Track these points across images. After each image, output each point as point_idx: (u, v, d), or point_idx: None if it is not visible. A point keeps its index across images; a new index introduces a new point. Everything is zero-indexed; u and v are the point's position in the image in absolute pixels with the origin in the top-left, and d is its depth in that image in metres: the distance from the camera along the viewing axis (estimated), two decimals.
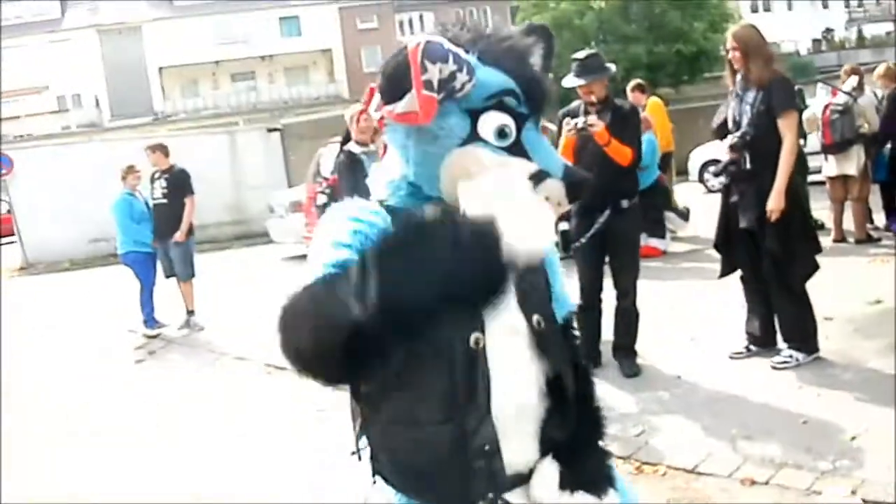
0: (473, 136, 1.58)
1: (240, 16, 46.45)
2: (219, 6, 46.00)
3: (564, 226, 8.67)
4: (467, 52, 1.57)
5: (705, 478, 4.03)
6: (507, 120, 1.58)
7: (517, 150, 1.59)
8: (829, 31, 52.49)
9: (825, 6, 52.92)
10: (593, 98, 5.60)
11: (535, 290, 1.78)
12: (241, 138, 21.32)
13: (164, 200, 9.15)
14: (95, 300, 12.03)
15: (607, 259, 5.79)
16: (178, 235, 9.07)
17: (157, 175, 9.30)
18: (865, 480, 3.72)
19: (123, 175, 9.13)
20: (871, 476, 3.74)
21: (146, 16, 45.95)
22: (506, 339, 1.67)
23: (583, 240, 5.62)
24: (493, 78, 1.58)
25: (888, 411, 4.39)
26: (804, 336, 5.36)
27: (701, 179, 17.26)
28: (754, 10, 49.67)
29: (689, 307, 7.19)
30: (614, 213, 5.56)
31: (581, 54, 5.80)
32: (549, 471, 1.74)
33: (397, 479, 1.72)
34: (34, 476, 4.99)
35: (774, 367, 5.32)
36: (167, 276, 9.32)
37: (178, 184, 9.20)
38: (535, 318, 1.72)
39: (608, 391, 5.38)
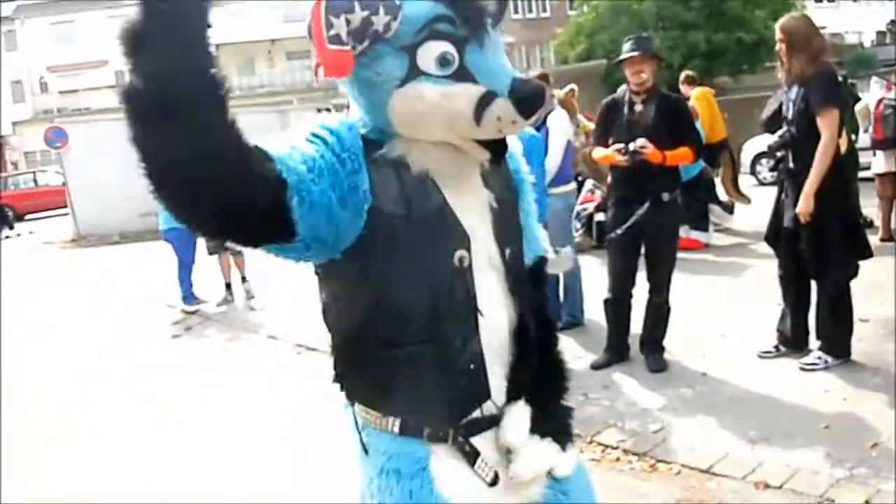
0: (415, 73, 1.56)
1: None
2: None
3: (601, 216, 8.62)
4: None
5: (719, 479, 3.96)
6: (445, 47, 1.56)
7: (463, 74, 1.56)
8: (893, 23, 51.13)
9: None
10: (643, 76, 5.42)
11: (509, 223, 1.80)
12: (292, 117, 21.45)
13: None
14: (141, 274, 12.20)
15: (643, 252, 5.70)
16: None
17: None
18: (881, 490, 3.62)
19: None
20: (887, 486, 3.65)
21: None
22: (486, 264, 1.71)
23: (618, 231, 5.52)
24: (419, 8, 1.55)
25: None
26: (836, 339, 5.23)
27: (753, 171, 16.98)
28: None
29: (723, 303, 7.07)
30: (653, 206, 5.43)
31: (633, 36, 5.75)
32: (522, 414, 1.78)
33: (376, 403, 1.74)
34: (36, 474, 4.99)
35: (803, 369, 5.20)
36: (212, 253, 9.42)
37: None
38: (508, 250, 1.76)
39: (632, 386, 5.34)
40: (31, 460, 5.25)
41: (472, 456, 1.73)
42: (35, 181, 29.70)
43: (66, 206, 20.02)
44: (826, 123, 4.98)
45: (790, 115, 5.19)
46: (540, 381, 1.83)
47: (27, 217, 27.81)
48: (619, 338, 5.81)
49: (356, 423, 1.80)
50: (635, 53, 5.45)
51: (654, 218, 5.43)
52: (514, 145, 1.87)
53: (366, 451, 1.77)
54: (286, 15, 46.49)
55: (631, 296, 5.76)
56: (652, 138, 5.34)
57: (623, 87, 5.69)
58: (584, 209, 6.51)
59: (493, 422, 1.77)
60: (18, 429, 5.75)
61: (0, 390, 6.50)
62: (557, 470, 1.85)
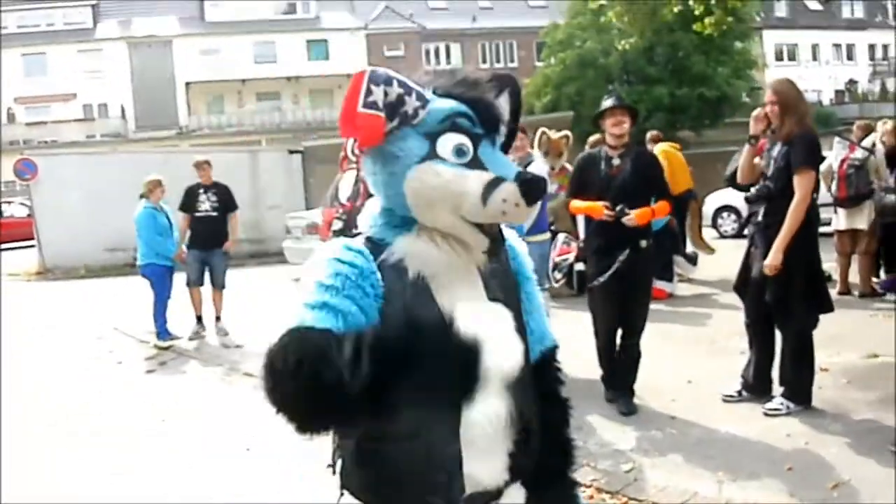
0: (433, 156, 1.74)
1: (270, 36, 47.05)
2: (249, 26, 46.58)
3: (580, 266, 8.87)
4: (423, 87, 1.77)
5: None
6: (463, 139, 1.75)
7: (475, 165, 1.75)
8: (852, 82, 52.66)
9: (850, 58, 53.12)
10: (625, 126, 5.70)
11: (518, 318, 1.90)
12: (263, 157, 21.64)
13: (214, 213, 9.69)
14: (110, 309, 12.21)
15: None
16: (229, 244, 9.77)
17: (203, 189, 9.71)
18: None
19: (151, 189, 9.41)
20: None
21: (177, 31, 46.59)
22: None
23: (602, 279, 5.72)
24: (445, 104, 1.77)
25: (872, 463, 4.52)
26: (798, 386, 5.48)
27: (714, 224, 17.41)
28: (779, 58, 49.94)
29: (688, 350, 7.32)
30: (632, 253, 5.67)
31: (612, 92, 6.06)
32: (516, 495, 1.89)
33: (365, 492, 1.85)
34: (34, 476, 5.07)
35: (766, 414, 5.44)
36: (193, 286, 9.66)
37: (226, 199, 9.81)
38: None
39: (604, 428, 5.52)
40: (32, 461, 5.26)
41: None
42: (0, 212, 29.44)
43: (31, 238, 19.91)
44: (802, 182, 5.28)
45: (770, 170, 5.47)
46: (546, 463, 1.94)
47: None
48: (616, 372, 6.04)
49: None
50: (617, 105, 5.77)
51: (633, 264, 5.66)
52: (518, 243, 2.03)
53: None
54: (257, 55, 46.85)
55: (616, 338, 5.99)
56: (629, 192, 5.63)
57: (593, 140, 5.97)
58: (565, 259, 6.75)
59: (496, 496, 1.86)
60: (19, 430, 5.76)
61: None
62: None
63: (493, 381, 1.70)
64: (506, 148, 1.89)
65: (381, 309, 1.74)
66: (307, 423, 1.66)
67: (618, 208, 5.59)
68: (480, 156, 1.76)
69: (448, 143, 1.74)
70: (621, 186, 5.66)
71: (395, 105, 1.70)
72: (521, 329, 1.91)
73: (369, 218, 1.87)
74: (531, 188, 1.72)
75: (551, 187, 9.35)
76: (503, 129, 1.84)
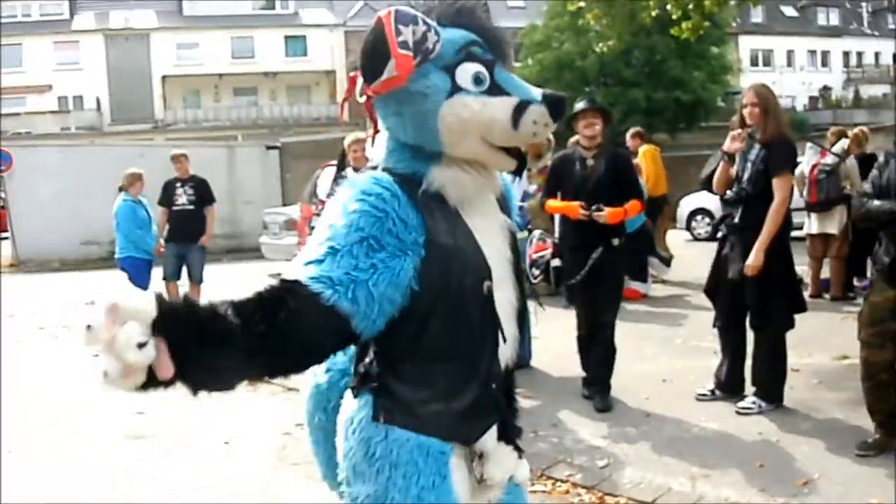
0: (455, 88, 1.81)
1: (247, 31, 46.86)
2: (227, 20, 46.37)
3: (556, 262, 8.97)
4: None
5: None
6: (479, 67, 1.83)
7: (495, 90, 1.83)
8: (826, 89, 53.21)
9: (824, 64, 53.67)
10: (597, 128, 5.85)
11: (514, 240, 2.05)
12: (240, 153, 21.61)
13: (192, 207, 9.74)
14: (84, 302, 12.10)
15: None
16: (205, 239, 9.78)
17: (180, 183, 9.75)
18: None
19: (130, 182, 9.39)
20: None
21: (154, 24, 46.30)
22: (503, 283, 1.95)
23: (579, 276, 5.88)
24: (456, 34, 1.84)
25: (841, 461, 4.63)
26: (771, 386, 5.59)
27: (688, 227, 17.58)
28: (754, 63, 50.41)
29: (664, 349, 7.42)
30: (606, 250, 5.83)
31: (585, 96, 6.20)
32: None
33: (412, 415, 1.89)
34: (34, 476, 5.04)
35: (739, 412, 5.54)
36: (170, 280, 9.70)
37: (203, 192, 9.85)
38: (521, 263, 2.04)
39: (579, 424, 5.60)
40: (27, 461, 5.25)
41: (473, 454, 1.97)
42: None
43: (5, 230, 19.75)
44: (781, 185, 5.40)
45: (747, 173, 5.55)
46: (512, 392, 2.10)
47: None
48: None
49: (373, 421, 1.91)
50: (589, 107, 5.92)
51: (606, 261, 5.82)
52: (506, 175, 2.12)
53: (373, 453, 1.90)
54: (235, 50, 46.64)
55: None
56: (604, 192, 5.78)
57: (571, 144, 6.10)
58: (542, 257, 6.84)
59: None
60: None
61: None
62: (518, 475, 2.10)
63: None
64: None
65: (426, 238, 1.80)
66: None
67: (593, 208, 5.74)
68: (498, 81, 1.83)
69: (467, 73, 1.81)
70: (596, 186, 5.82)
71: (420, 42, 1.75)
72: (517, 245, 2.06)
73: (388, 154, 1.92)
74: (558, 107, 1.83)
75: (530, 187, 9.46)
76: (511, 53, 1.92)
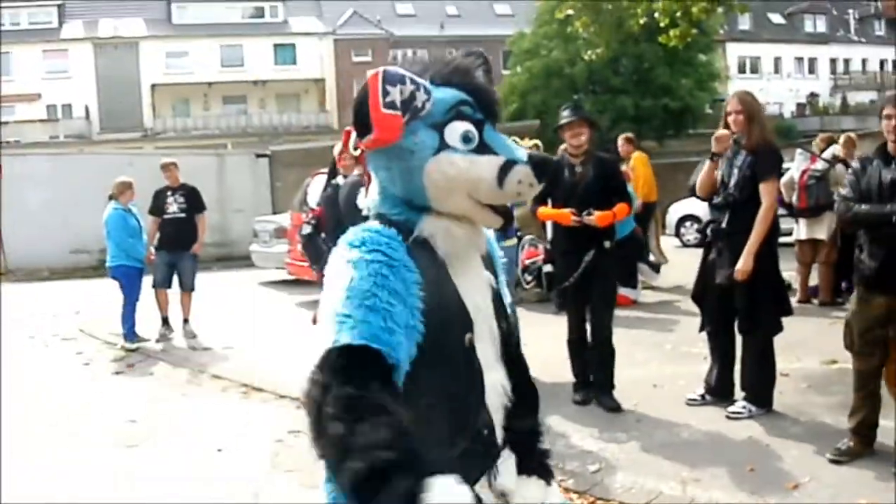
0: (443, 146, 1.83)
1: (236, 39, 46.80)
2: (216, 29, 46.31)
3: (548, 268, 9.02)
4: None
5: None
6: (468, 126, 1.84)
7: (483, 149, 1.85)
8: (813, 95, 53.46)
9: (811, 72, 53.94)
10: (582, 138, 5.99)
11: (500, 299, 2.06)
12: (230, 161, 21.60)
13: (183, 215, 9.72)
14: (75, 311, 12.14)
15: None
16: (197, 247, 9.77)
17: (171, 192, 9.74)
18: None
19: (120, 190, 9.37)
20: None
21: (143, 32, 46.21)
22: (486, 338, 1.95)
23: (573, 278, 5.98)
24: (447, 94, 1.86)
25: (830, 465, 4.67)
26: (760, 390, 5.63)
27: (677, 233, 17.65)
28: (742, 70, 50.62)
29: (654, 354, 7.46)
30: (598, 253, 5.95)
31: (570, 104, 6.32)
32: (510, 461, 2.02)
33: None
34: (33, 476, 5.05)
35: (729, 417, 5.58)
36: (160, 287, 9.70)
37: (194, 200, 9.85)
38: (504, 323, 2.03)
39: (571, 429, 5.62)
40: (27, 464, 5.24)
41: (477, 500, 1.96)
42: None
43: None
44: (768, 190, 5.47)
45: (734, 179, 5.59)
46: (528, 428, 2.09)
47: None
48: (583, 371, 6.28)
49: None
50: (574, 118, 6.01)
51: (598, 264, 5.95)
52: (489, 232, 2.12)
53: None
54: (224, 59, 46.61)
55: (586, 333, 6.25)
56: (593, 197, 5.92)
57: (560, 151, 6.18)
58: (534, 262, 6.88)
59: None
60: None
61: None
62: (549, 501, 2.09)
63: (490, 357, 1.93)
64: None
65: (420, 286, 1.79)
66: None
67: (584, 213, 5.86)
68: (486, 140, 1.85)
69: (455, 131, 1.83)
70: (585, 192, 5.95)
71: (408, 101, 1.77)
72: (503, 305, 2.06)
73: (384, 203, 1.93)
74: (543, 168, 1.84)
75: None
76: (500, 113, 1.94)
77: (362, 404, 1.59)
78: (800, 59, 53.44)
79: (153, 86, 45.99)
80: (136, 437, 6.00)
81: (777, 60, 52.67)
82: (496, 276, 2.11)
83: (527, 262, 5.93)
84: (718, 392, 5.90)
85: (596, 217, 5.86)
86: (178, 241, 9.61)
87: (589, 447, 5.26)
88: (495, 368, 1.98)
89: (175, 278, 9.71)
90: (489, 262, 2.08)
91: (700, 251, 6.09)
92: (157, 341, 9.47)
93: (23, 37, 44.10)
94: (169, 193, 9.72)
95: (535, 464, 2.08)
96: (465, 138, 1.84)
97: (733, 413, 5.60)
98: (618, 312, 9.05)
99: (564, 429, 5.65)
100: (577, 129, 6.00)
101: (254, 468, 5.26)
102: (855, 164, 4.97)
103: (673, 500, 4.39)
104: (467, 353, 1.90)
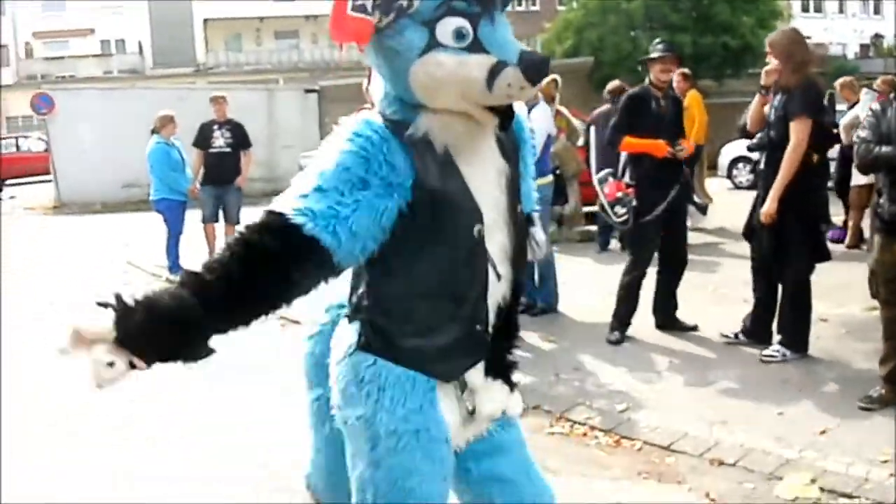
0: (434, 44, 1.78)
1: None
2: None
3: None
4: None
5: (678, 455, 4.26)
6: (461, 22, 1.78)
7: (476, 46, 1.79)
8: (878, 37, 51.73)
9: (877, 12, 52.16)
10: (672, 74, 6.36)
11: (516, 184, 2.05)
12: (280, 96, 21.65)
13: (228, 150, 9.78)
14: (123, 244, 12.36)
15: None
16: (241, 180, 9.84)
17: (217, 126, 9.79)
18: (826, 471, 3.93)
19: (162, 124, 9.45)
20: (832, 467, 3.96)
21: None
22: (497, 226, 1.96)
23: (657, 211, 6.06)
24: None
25: (860, 411, 4.60)
26: (795, 334, 5.54)
27: (729, 175, 17.33)
28: (805, 9, 49.09)
29: (694, 296, 7.34)
30: (681, 188, 6.22)
31: (662, 39, 6.77)
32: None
33: (394, 347, 1.94)
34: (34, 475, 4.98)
35: (763, 360, 5.52)
36: (208, 221, 9.83)
37: (240, 135, 9.88)
38: (518, 209, 2.03)
39: (601, 368, 5.61)
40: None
41: (462, 386, 2.01)
42: (17, 146, 29.59)
43: (47, 173, 20.04)
44: (797, 129, 5.30)
45: (770, 119, 5.52)
46: (505, 331, 2.11)
47: (8, 182, 27.73)
48: (632, 313, 6.26)
49: (361, 349, 1.97)
50: (667, 54, 6.18)
51: (680, 198, 6.23)
52: (520, 110, 2.09)
53: (362, 377, 1.95)
54: None
55: None
56: (674, 129, 6.18)
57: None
58: (625, 195, 6.61)
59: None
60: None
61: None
62: (509, 409, 2.14)
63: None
64: (506, 2, 1.92)
65: (413, 182, 1.82)
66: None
67: (676, 146, 6.06)
68: (481, 37, 1.79)
69: (447, 27, 1.77)
70: (670, 125, 6.16)
71: (386, 0, 1.73)
72: (519, 192, 2.07)
73: (384, 100, 1.93)
74: (534, 71, 1.78)
75: (552, 130, 9.28)
76: (500, 3, 1.86)
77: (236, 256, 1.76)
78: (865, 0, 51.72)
79: (206, 20, 46.03)
80: (138, 432, 5.83)
81: (841, 0, 51.02)
82: (519, 160, 2.11)
83: (619, 194, 5.87)
84: (753, 334, 5.83)
85: (686, 149, 6.13)
86: (222, 175, 9.68)
87: (619, 387, 5.24)
88: (505, 262, 1.99)
89: (220, 212, 9.82)
90: (511, 140, 2.05)
91: (751, 193, 6.01)
92: None
93: None
94: (216, 127, 9.76)
95: (502, 368, 2.11)
96: (459, 35, 1.78)
97: (767, 356, 5.53)
98: None
99: (595, 367, 5.63)
100: (669, 64, 6.19)
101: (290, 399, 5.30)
102: (875, 105, 4.82)
103: (697, 441, 4.36)
104: (475, 245, 1.91)
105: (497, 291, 1.99)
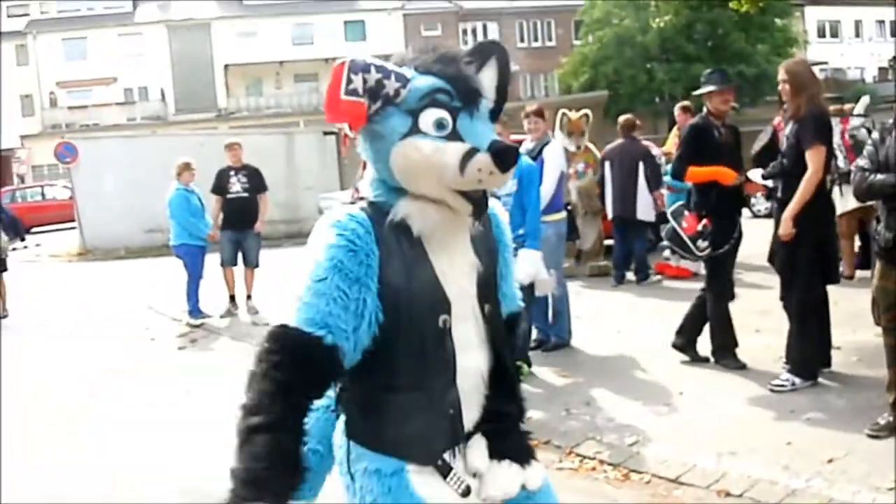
0: (415, 131, 1.91)
1: (307, 17, 47.20)
2: (286, 7, 46.78)
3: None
4: (405, 66, 1.95)
5: (685, 487, 4.30)
6: (442, 113, 1.91)
7: (454, 137, 1.91)
8: (895, 59, 51.56)
9: (894, 34, 52.05)
10: (731, 105, 6.37)
11: (489, 282, 2.13)
12: (299, 139, 21.91)
13: (245, 195, 9.94)
14: (145, 288, 12.53)
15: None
16: (259, 225, 10.00)
17: (233, 171, 9.96)
18: (833, 500, 3.95)
19: (180, 171, 9.67)
20: (838, 496, 3.97)
21: (215, 13, 46.93)
22: (467, 320, 2.04)
23: (732, 240, 6.14)
24: (425, 81, 1.93)
25: (870, 440, 4.61)
26: (803, 361, 5.57)
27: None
28: (821, 34, 49.16)
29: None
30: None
31: (714, 69, 6.81)
32: (480, 443, 2.11)
33: (371, 438, 2.02)
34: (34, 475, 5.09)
35: (772, 389, 5.54)
36: (227, 265, 9.98)
37: (256, 180, 10.04)
38: (487, 306, 2.09)
39: (612, 402, 5.65)
40: (33, 458, 5.35)
41: (444, 470, 2.03)
42: (42, 195, 30.07)
43: (72, 220, 20.34)
44: (814, 158, 5.41)
45: (784, 148, 5.63)
46: (503, 413, 2.15)
47: (33, 230, 28.09)
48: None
49: (348, 449, 2.07)
50: (726, 86, 6.36)
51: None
52: (501, 212, 2.24)
53: (351, 474, 2.05)
54: (295, 37, 47.04)
55: None
56: (736, 158, 6.22)
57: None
58: (705, 227, 6.64)
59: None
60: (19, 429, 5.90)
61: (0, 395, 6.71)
62: (529, 484, 2.16)
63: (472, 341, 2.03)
64: (496, 114, 2.05)
65: (380, 265, 1.92)
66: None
67: (741, 173, 6.17)
68: (458, 128, 1.91)
69: (429, 117, 1.90)
70: (731, 154, 6.21)
71: (375, 89, 1.87)
72: (494, 290, 2.16)
73: (371, 184, 2.03)
74: (503, 157, 1.89)
75: (578, 166, 9.48)
76: (483, 101, 1.98)
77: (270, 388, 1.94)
78: (881, 23, 51.51)
79: (226, 66, 46.69)
80: (139, 434, 6.03)
81: (858, 23, 50.96)
82: (498, 256, 2.18)
83: (700, 227, 5.94)
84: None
85: (753, 179, 6.26)
86: (241, 220, 9.84)
87: (629, 420, 5.28)
88: (475, 351, 2.06)
89: (240, 256, 9.97)
90: (487, 241, 2.13)
91: (769, 222, 6.07)
92: (222, 317, 9.75)
93: (98, 21, 45.26)
94: (232, 173, 9.93)
95: (509, 447, 2.14)
96: (439, 125, 1.91)
97: (776, 386, 5.54)
98: (677, 284, 9.09)
99: (606, 402, 5.67)
100: (727, 95, 6.32)
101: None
102: (875, 134, 4.88)
103: (705, 473, 4.39)
104: (440, 334, 1.98)
105: (469, 379, 2.04)
